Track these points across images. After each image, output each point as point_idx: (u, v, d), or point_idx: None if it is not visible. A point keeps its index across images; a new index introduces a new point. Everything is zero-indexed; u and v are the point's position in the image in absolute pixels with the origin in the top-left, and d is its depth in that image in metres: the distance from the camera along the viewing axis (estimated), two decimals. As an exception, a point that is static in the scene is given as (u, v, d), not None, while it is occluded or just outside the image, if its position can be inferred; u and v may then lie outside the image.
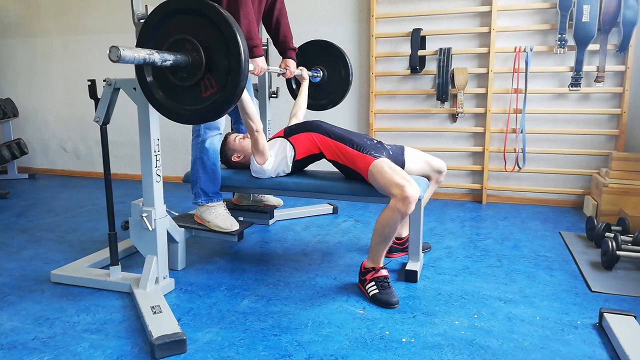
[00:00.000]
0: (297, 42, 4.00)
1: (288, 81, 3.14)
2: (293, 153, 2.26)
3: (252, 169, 2.28)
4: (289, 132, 2.32)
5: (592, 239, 2.64)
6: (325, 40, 3.08)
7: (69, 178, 4.86)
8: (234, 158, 2.45)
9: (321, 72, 3.07)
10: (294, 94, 3.12)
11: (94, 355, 1.57)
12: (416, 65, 3.63)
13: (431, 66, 3.68)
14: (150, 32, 1.70)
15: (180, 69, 1.66)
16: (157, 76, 1.75)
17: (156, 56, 1.53)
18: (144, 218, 1.97)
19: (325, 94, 3.10)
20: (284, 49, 2.72)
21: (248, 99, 2.08)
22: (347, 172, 2.20)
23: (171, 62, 1.59)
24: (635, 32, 3.19)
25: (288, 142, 2.28)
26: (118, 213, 2.18)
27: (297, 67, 2.92)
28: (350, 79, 3.03)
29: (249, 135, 2.21)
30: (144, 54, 1.49)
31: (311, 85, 2.96)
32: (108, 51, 1.41)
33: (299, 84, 3.04)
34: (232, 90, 1.62)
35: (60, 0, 4.68)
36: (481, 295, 2.01)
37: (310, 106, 2.98)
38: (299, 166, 2.33)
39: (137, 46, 1.72)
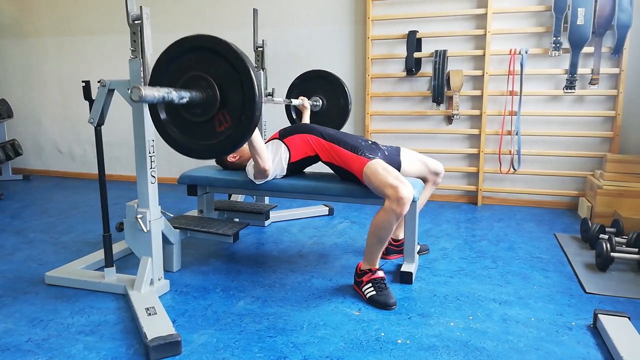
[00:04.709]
0: (294, 43, 4.01)
1: (288, 110, 3.18)
2: (288, 155, 2.26)
3: (249, 177, 2.27)
4: (283, 134, 2.32)
5: (586, 240, 2.65)
6: (325, 70, 3.13)
7: (64, 179, 4.84)
8: (230, 159, 2.44)
9: (321, 101, 3.11)
10: (294, 123, 3.15)
11: (88, 357, 1.56)
12: (412, 67, 3.64)
13: (427, 68, 3.69)
14: (163, 69, 1.73)
15: (195, 106, 1.68)
16: (170, 113, 1.77)
17: (174, 94, 1.55)
18: (139, 219, 1.96)
19: (325, 122, 3.12)
20: None
21: (257, 134, 2.06)
22: (343, 174, 2.20)
23: (187, 99, 1.61)
24: (630, 35, 3.22)
25: (283, 144, 2.27)
26: (113, 214, 2.17)
27: (298, 97, 2.96)
28: (349, 107, 3.07)
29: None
30: (163, 92, 1.51)
31: (310, 113, 3.00)
32: (129, 91, 1.43)
33: (298, 113, 3.06)
34: (247, 124, 1.65)
35: (54, 1, 4.67)
36: (476, 296, 2.02)
37: None
38: (294, 169, 2.32)
39: (149, 83, 1.75)
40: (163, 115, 1.76)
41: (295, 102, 2.92)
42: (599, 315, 1.72)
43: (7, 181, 4.62)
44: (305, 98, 2.96)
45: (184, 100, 1.60)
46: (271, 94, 3.18)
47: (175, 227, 2.28)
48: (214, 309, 1.90)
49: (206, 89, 1.66)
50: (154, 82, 1.74)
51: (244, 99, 1.63)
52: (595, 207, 3.09)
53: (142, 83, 1.87)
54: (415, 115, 3.78)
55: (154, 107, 1.76)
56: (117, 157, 4.69)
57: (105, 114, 1.98)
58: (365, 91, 3.83)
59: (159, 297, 1.95)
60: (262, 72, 3.09)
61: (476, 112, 3.61)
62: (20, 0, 4.79)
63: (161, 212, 2.08)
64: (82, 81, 1.99)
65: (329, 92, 3.10)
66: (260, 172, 2.19)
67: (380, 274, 2.00)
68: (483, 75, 3.53)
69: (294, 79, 3.16)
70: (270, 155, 2.25)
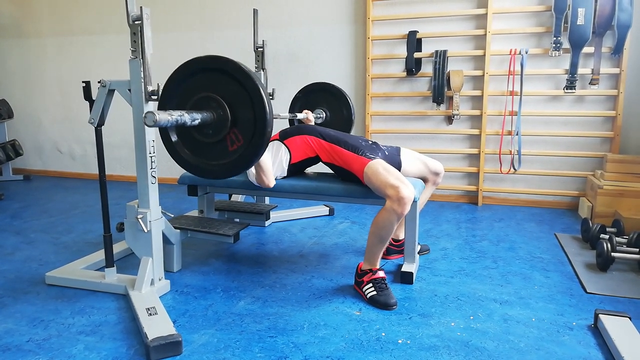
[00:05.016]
0: (294, 43, 4.01)
1: (291, 124, 3.18)
2: (288, 156, 2.26)
3: (250, 179, 2.27)
4: (284, 135, 2.32)
5: (587, 240, 2.65)
6: (327, 83, 3.13)
7: (64, 179, 4.84)
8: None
9: (324, 113, 3.12)
10: None
11: (89, 357, 1.56)
12: (412, 67, 3.64)
13: (427, 68, 3.69)
14: (172, 91, 1.74)
15: (206, 126, 1.69)
16: (181, 134, 1.78)
17: (186, 117, 1.57)
18: (139, 220, 1.96)
19: None
20: None
21: (265, 154, 2.06)
22: (344, 174, 2.20)
23: (199, 120, 1.63)
24: (630, 35, 3.21)
25: (283, 145, 2.27)
26: (113, 215, 2.16)
27: (302, 110, 2.97)
28: (352, 118, 3.07)
29: None
30: (176, 115, 1.53)
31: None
32: (144, 117, 1.45)
33: None
34: (259, 142, 1.66)
35: (54, 1, 4.67)
36: (477, 296, 2.02)
37: None
38: (295, 170, 2.32)
39: (159, 106, 1.77)
40: (174, 138, 1.78)
41: (299, 116, 2.95)
42: (599, 315, 1.72)
43: (8, 181, 4.62)
44: (309, 111, 2.97)
45: (196, 122, 1.62)
46: (271, 95, 3.19)
47: (175, 228, 2.28)
48: (215, 309, 1.90)
49: (216, 109, 1.67)
50: (163, 104, 1.75)
51: (255, 116, 1.65)
52: (595, 207, 3.09)
53: (143, 84, 1.87)
54: (415, 115, 3.78)
55: (164, 130, 1.77)
56: (118, 157, 4.69)
57: (106, 114, 1.98)
58: (365, 91, 3.83)
59: (159, 297, 1.95)
60: (262, 72, 3.09)
61: (476, 112, 3.61)
62: (20, 1, 4.79)
63: (162, 212, 2.08)
64: (83, 81, 1.99)
65: (331, 104, 3.11)
66: (262, 185, 2.20)
67: (381, 274, 2.00)
68: (483, 75, 3.53)
69: (296, 93, 3.14)
70: (271, 157, 2.25)
